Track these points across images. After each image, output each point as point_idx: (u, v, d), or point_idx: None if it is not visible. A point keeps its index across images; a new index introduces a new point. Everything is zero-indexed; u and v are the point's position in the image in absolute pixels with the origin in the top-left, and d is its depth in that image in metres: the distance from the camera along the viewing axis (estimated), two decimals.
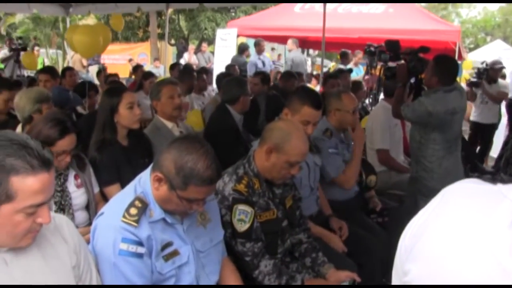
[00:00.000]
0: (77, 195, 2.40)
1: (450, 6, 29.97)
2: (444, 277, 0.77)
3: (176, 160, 1.57)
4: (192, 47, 14.11)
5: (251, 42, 10.63)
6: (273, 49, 15.85)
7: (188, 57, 12.71)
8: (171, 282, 1.69)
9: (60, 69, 7.25)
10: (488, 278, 0.72)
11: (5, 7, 9.15)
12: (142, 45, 18.44)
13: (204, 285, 1.80)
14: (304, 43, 12.87)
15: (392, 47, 4.41)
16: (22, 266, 1.29)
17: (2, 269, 1.26)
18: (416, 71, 3.61)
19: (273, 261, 2.09)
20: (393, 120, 4.01)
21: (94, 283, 1.52)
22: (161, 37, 16.95)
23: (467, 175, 3.94)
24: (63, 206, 2.31)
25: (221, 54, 10.85)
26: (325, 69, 9.02)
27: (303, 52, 14.85)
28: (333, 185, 3.08)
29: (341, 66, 8.17)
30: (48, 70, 5.20)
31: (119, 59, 16.31)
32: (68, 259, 1.41)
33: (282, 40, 11.95)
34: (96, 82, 7.75)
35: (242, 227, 2.03)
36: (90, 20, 14.72)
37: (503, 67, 7.11)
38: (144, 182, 1.69)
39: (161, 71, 12.06)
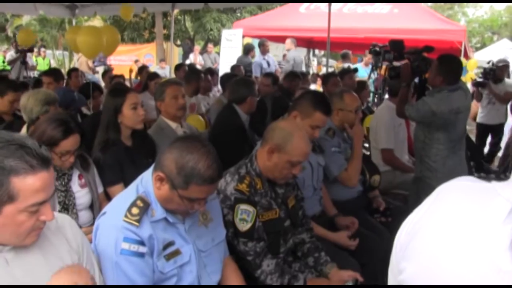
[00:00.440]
0: (81, 195, 2.41)
1: (456, 5, 29.81)
2: (438, 276, 0.77)
3: (177, 159, 1.58)
4: (197, 47, 14.15)
5: (256, 43, 10.65)
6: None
7: (194, 58, 12.74)
8: (173, 281, 1.70)
9: (66, 70, 7.29)
10: (482, 277, 0.72)
11: (12, 9, 9.21)
12: (148, 46, 18.51)
13: (206, 285, 1.80)
14: (310, 43, 12.88)
15: (396, 47, 4.41)
16: (22, 265, 1.30)
17: (3, 268, 1.27)
18: (420, 71, 3.60)
19: (276, 261, 2.10)
20: (398, 119, 4.00)
21: (97, 283, 1.53)
22: (167, 38, 16.98)
23: (471, 175, 3.94)
24: (67, 206, 2.32)
25: (226, 55, 10.87)
26: (330, 69, 9.02)
27: (308, 52, 14.85)
28: (337, 184, 3.07)
29: (345, 65, 8.15)
30: (52, 73, 5.23)
31: (126, 60, 16.37)
32: (70, 259, 1.42)
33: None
34: (103, 83, 7.79)
35: (244, 226, 2.04)
36: (96, 22, 14.80)
37: (507, 65, 7.01)
38: (146, 182, 1.71)
39: (167, 72, 12.11)
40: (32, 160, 1.21)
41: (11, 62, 8.80)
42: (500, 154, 7.11)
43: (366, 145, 4.53)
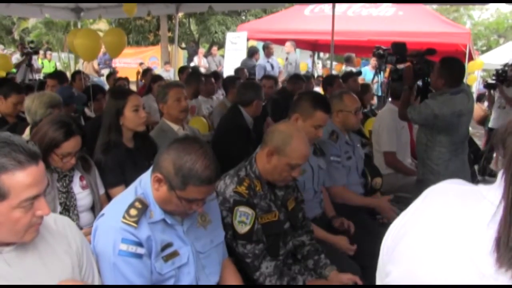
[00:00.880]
0: (82, 197, 2.42)
1: (462, 8, 29.70)
2: (422, 280, 0.77)
3: (175, 160, 1.59)
4: (201, 50, 14.18)
5: (261, 46, 10.67)
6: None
7: (198, 61, 12.78)
8: (171, 282, 1.71)
9: (71, 73, 7.34)
10: (465, 281, 0.72)
11: (18, 12, 9.28)
12: (153, 48, 18.60)
13: (204, 285, 1.81)
14: (315, 46, 12.89)
15: (399, 50, 4.39)
16: (22, 267, 1.31)
17: (6, 270, 1.28)
18: (423, 73, 3.60)
19: (275, 263, 2.10)
20: (400, 122, 4.00)
21: (96, 284, 1.53)
22: (171, 40, 17.05)
23: (474, 178, 3.93)
24: (68, 207, 2.33)
25: (231, 58, 10.90)
26: (334, 72, 9.02)
27: (313, 55, 14.87)
28: None
29: (348, 69, 8.16)
30: (56, 75, 5.27)
31: (131, 63, 16.47)
32: (69, 260, 1.43)
33: None
34: (107, 85, 7.83)
35: (242, 229, 2.04)
36: (102, 24, 14.87)
37: None
38: (144, 184, 1.71)
39: (172, 75, 12.14)
40: (19, 155, 1.22)
41: (17, 65, 8.87)
42: None
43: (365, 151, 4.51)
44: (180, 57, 17.02)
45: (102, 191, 2.57)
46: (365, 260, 2.57)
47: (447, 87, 3.27)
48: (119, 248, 1.58)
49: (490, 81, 7.06)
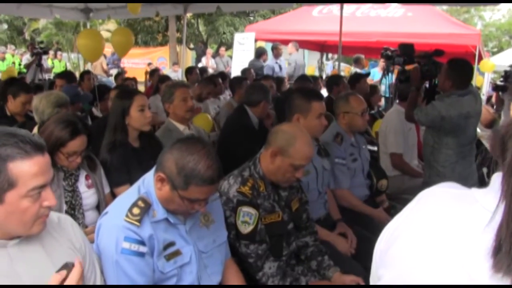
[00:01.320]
0: (88, 195, 2.44)
1: (472, 9, 29.47)
2: (413, 284, 0.77)
3: (177, 160, 1.60)
4: (210, 51, 14.22)
5: (269, 46, 10.68)
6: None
7: (206, 61, 12.81)
8: (173, 281, 1.72)
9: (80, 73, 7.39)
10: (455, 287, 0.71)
11: (29, 12, 9.37)
12: (161, 49, 18.66)
13: (207, 285, 1.81)
14: (323, 47, 12.87)
15: (406, 51, 4.37)
16: (25, 262, 1.32)
17: (7, 265, 1.29)
18: (430, 75, 3.58)
19: (278, 263, 2.10)
20: (408, 124, 3.98)
21: (98, 283, 1.54)
22: (180, 41, 17.11)
23: (482, 180, 3.89)
24: (74, 206, 2.35)
25: (239, 58, 10.92)
26: (342, 73, 9.00)
27: (322, 56, 14.84)
28: None
29: (357, 70, 8.13)
30: (65, 75, 5.31)
31: (139, 63, 16.55)
32: (74, 255, 1.44)
33: (300, 44, 11.96)
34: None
35: (246, 229, 2.05)
36: (111, 25, 14.96)
37: None
38: (148, 183, 1.73)
39: (179, 75, 12.19)
40: (25, 146, 1.24)
41: (28, 66, 8.96)
42: None
43: (375, 148, 4.50)
44: (188, 57, 17.07)
45: (107, 190, 2.59)
46: (368, 261, 2.56)
47: (455, 88, 3.25)
48: (122, 246, 1.59)
49: (498, 82, 6.98)
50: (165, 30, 19.13)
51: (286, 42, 9.99)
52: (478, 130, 4.03)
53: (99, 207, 2.49)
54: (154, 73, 7.89)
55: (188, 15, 11.84)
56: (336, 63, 11.34)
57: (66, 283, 1.23)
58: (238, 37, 11.63)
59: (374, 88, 5.88)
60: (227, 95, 6.62)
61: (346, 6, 8.23)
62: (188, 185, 1.59)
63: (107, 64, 12.08)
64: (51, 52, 14.12)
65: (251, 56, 9.96)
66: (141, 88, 8.14)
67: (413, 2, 8.65)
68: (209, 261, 1.83)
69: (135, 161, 2.71)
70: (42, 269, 1.34)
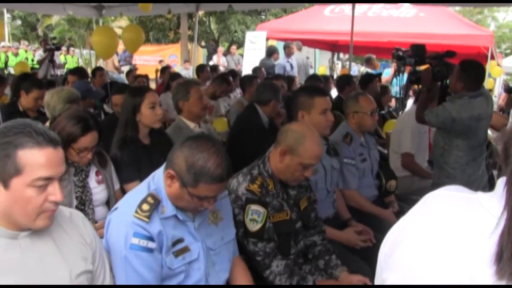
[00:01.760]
0: (98, 191, 2.46)
1: (486, 10, 29.17)
2: None
3: (187, 157, 1.61)
4: (221, 49, 14.24)
5: (280, 45, 10.67)
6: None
7: (217, 59, 12.84)
8: (181, 277, 1.73)
9: (92, 69, 7.45)
10: None
11: (42, 9, 9.46)
12: (172, 46, 18.72)
13: (213, 285, 1.82)
14: (334, 47, 12.83)
15: (418, 52, 4.34)
16: (35, 254, 1.34)
17: (17, 257, 1.32)
18: (441, 76, 3.55)
19: (285, 262, 2.11)
20: (423, 127, 3.95)
21: (107, 281, 1.56)
22: (191, 39, 17.15)
23: (492, 182, 3.86)
24: (84, 201, 2.38)
25: (250, 57, 10.93)
26: (354, 73, 8.97)
27: (333, 55, 14.80)
28: None
29: (369, 70, 8.10)
30: (77, 71, 5.36)
31: (150, 61, 16.62)
32: (84, 250, 1.46)
33: (312, 43, 11.94)
34: (127, 82, 7.91)
35: (254, 227, 2.06)
36: (123, 22, 15.05)
37: None
38: (157, 179, 1.74)
39: (191, 73, 12.24)
40: (39, 137, 1.27)
41: (40, 62, 9.05)
42: None
43: (385, 151, 4.48)
44: (200, 55, 17.11)
45: (117, 186, 2.62)
46: (376, 261, 2.56)
47: (466, 90, 3.22)
48: (131, 242, 1.60)
49: (511, 84, 6.91)
50: (176, 27, 19.18)
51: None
52: (489, 132, 3.99)
53: (109, 203, 2.52)
54: (165, 71, 7.92)
55: (200, 13, 11.86)
56: (347, 62, 11.32)
57: None
58: (249, 35, 11.64)
59: (384, 89, 5.86)
60: (237, 93, 6.63)
61: (358, 6, 8.20)
62: (197, 182, 1.60)
63: (119, 61, 12.16)
64: (64, 48, 14.25)
65: (262, 54, 9.97)
66: (152, 85, 8.17)
67: (425, 3, 8.60)
68: (217, 258, 1.84)
69: (145, 158, 2.73)
70: (51, 262, 1.36)
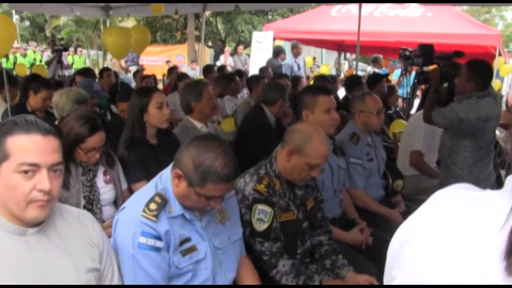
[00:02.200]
0: (106, 191, 2.48)
1: (494, 9, 28.95)
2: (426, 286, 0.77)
3: (194, 157, 1.62)
4: (228, 49, 14.25)
5: (287, 45, 10.67)
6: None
7: (224, 59, 12.86)
8: (188, 276, 1.74)
9: (99, 70, 7.49)
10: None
11: (50, 10, 9.53)
12: (180, 47, 18.77)
13: (220, 285, 1.83)
14: (341, 47, 12.82)
15: (426, 52, 4.32)
16: (43, 249, 1.36)
17: (27, 253, 1.33)
18: (450, 76, 3.53)
19: (292, 261, 2.11)
20: (437, 129, 3.92)
21: (115, 280, 1.57)
22: (198, 39, 17.19)
23: (499, 182, 3.84)
24: (92, 201, 2.40)
25: (257, 57, 10.94)
26: (361, 73, 8.95)
27: (339, 55, 14.77)
28: None
29: (375, 70, 8.08)
30: (84, 72, 5.39)
31: (157, 61, 16.68)
32: (91, 250, 1.48)
33: (318, 43, 11.94)
34: (134, 83, 7.95)
35: (261, 226, 2.06)
36: (130, 22, 15.11)
37: None
38: (165, 179, 1.75)
39: (197, 73, 12.27)
40: (30, 126, 1.29)
41: (48, 62, 9.11)
42: None
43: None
44: (207, 55, 17.14)
45: (124, 186, 2.63)
46: (383, 261, 2.56)
47: (477, 90, 3.19)
48: (139, 241, 1.62)
49: None
50: (183, 28, 19.23)
51: (304, 41, 9.99)
52: (497, 132, 3.96)
53: (117, 203, 2.54)
54: (172, 71, 7.94)
55: (207, 13, 11.89)
56: (353, 62, 11.30)
57: None
58: (256, 35, 11.66)
59: (391, 89, 5.84)
60: (244, 93, 6.64)
61: (365, 5, 8.18)
62: (204, 182, 1.61)
63: (126, 62, 12.19)
64: (71, 49, 14.32)
65: (269, 54, 9.97)
66: (160, 86, 8.20)
67: (432, 2, 8.57)
68: (224, 258, 1.85)
69: (153, 158, 2.75)
70: (58, 259, 1.38)
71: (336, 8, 10.24)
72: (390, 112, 5.60)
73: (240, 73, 7.40)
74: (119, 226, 1.70)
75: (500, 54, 8.74)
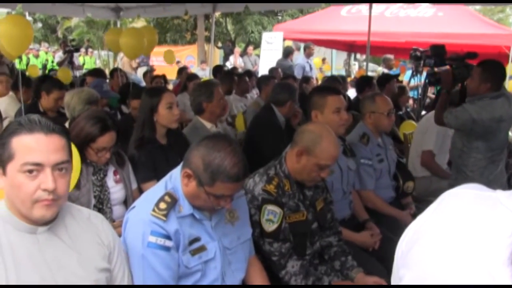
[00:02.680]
0: (116, 190, 2.50)
1: (508, 8, 28.59)
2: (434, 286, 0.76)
3: (204, 156, 1.62)
4: (237, 49, 14.27)
5: (297, 46, 10.66)
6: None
7: (234, 60, 12.87)
8: (197, 276, 1.74)
9: (110, 70, 7.54)
10: None
11: (62, 11, 9.61)
12: (189, 47, 18.78)
13: (230, 285, 1.83)
14: (351, 47, 12.76)
15: (437, 52, 4.30)
16: (53, 248, 1.37)
17: (38, 251, 1.34)
18: (462, 78, 3.49)
19: (301, 262, 2.11)
20: (449, 130, 3.89)
21: (126, 281, 1.58)
22: (208, 40, 17.22)
23: (510, 183, 3.80)
24: (102, 200, 2.41)
25: (266, 57, 10.96)
26: (372, 74, 8.91)
27: (349, 56, 14.72)
28: None
29: (385, 71, 8.04)
30: (95, 73, 5.43)
31: None
32: (101, 250, 1.48)
33: (329, 44, 11.90)
34: (144, 83, 7.99)
35: (270, 227, 2.06)
36: (140, 23, 15.18)
37: None
38: (175, 179, 1.76)
39: (207, 73, 12.29)
40: (31, 124, 1.31)
41: (60, 63, 9.21)
42: None
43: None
44: (216, 56, 17.16)
45: (134, 185, 2.64)
46: (392, 262, 2.54)
47: (491, 91, 3.16)
48: (148, 240, 1.62)
49: None
50: (193, 28, 19.27)
51: (314, 42, 9.96)
52: (511, 134, 3.92)
53: (127, 202, 2.55)
54: (182, 71, 7.96)
55: (217, 14, 11.93)
56: (364, 63, 11.26)
57: None
58: (266, 36, 11.67)
59: (402, 89, 5.81)
60: (254, 93, 6.65)
61: (375, 6, 8.14)
62: (214, 181, 1.61)
63: (138, 62, 12.25)
64: (82, 50, 14.44)
65: (279, 55, 9.97)
66: (169, 87, 8.22)
67: (443, 2, 8.50)
68: (233, 258, 1.85)
69: (162, 158, 2.76)
70: (67, 258, 1.39)
71: (346, 8, 10.19)
72: (400, 113, 5.56)
73: (250, 73, 7.40)
74: (129, 226, 1.71)
75: None
